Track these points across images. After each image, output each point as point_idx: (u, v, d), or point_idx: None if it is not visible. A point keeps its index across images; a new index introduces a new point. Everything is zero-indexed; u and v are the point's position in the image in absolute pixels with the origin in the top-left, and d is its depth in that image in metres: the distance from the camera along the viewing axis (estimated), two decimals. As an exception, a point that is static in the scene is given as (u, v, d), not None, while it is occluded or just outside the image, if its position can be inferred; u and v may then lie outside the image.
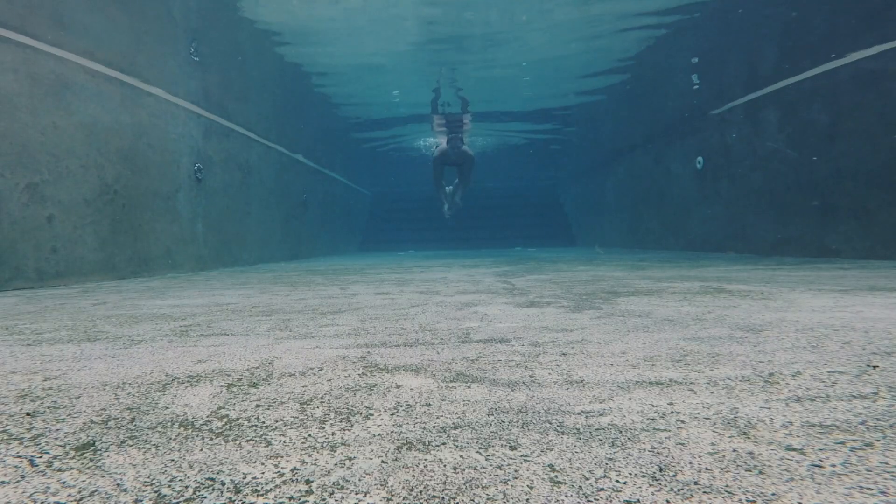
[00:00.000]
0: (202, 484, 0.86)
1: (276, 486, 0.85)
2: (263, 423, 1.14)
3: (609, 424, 1.07)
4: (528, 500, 0.77)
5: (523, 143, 20.38)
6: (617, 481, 0.82)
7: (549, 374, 1.47)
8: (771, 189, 7.65)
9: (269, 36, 9.77)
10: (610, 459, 0.90)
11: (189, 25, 7.53)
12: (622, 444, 0.97)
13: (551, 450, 0.95)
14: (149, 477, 0.88)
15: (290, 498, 0.81)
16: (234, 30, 8.93)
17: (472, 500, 0.78)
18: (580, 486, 0.81)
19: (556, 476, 0.84)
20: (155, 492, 0.83)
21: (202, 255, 7.64)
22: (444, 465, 0.89)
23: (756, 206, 7.98)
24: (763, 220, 7.90)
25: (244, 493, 0.83)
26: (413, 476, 0.86)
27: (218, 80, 8.29)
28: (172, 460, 0.96)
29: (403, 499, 0.79)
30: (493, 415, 1.14)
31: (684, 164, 9.90)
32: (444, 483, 0.83)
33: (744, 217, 8.32)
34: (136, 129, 6.23)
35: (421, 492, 0.81)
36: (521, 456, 0.92)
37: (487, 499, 0.78)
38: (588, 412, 1.15)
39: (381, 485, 0.84)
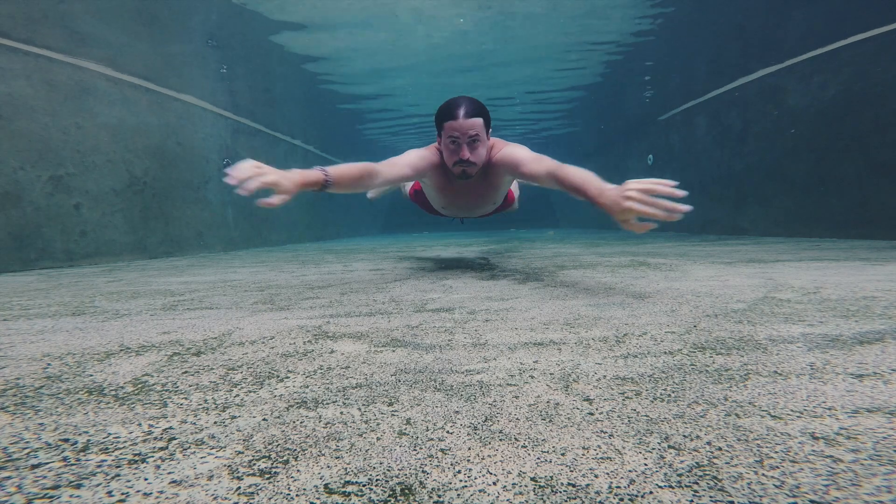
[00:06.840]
0: (49, 444, 0.80)
1: (130, 444, 0.79)
2: (177, 388, 1.08)
3: (477, 382, 1.05)
4: (367, 450, 0.75)
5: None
6: (447, 432, 0.81)
7: (465, 338, 1.44)
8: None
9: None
10: (457, 413, 0.88)
11: (219, 43, 7.45)
12: (474, 399, 0.95)
13: (419, 405, 0.93)
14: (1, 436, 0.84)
15: (137, 454, 0.75)
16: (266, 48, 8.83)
17: (320, 452, 0.76)
18: (417, 437, 0.79)
19: (406, 429, 0.83)
20: (1, 449, 0.79)
21: (233, 237, 7.70)
22: (320, 422, 0.87)
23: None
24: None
25: (91, 451, 0.77)
26: (280, 431, 0.83)
27: (247, 91, 8.24)
28: (41, 423, 0.88)
29: (256, 451, 0.76)
30: (396, 375, 1.12)
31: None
32: (306, 437, 0.81)
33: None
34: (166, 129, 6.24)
35: (277, 444, 0.79)
36: (392, 411, 0.90)
37: (334, 450, 0.76)
38: (469, 371, 1.12)
39: (244, 441, 0.80)
